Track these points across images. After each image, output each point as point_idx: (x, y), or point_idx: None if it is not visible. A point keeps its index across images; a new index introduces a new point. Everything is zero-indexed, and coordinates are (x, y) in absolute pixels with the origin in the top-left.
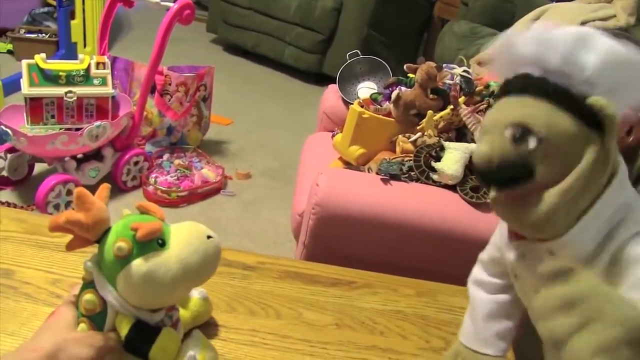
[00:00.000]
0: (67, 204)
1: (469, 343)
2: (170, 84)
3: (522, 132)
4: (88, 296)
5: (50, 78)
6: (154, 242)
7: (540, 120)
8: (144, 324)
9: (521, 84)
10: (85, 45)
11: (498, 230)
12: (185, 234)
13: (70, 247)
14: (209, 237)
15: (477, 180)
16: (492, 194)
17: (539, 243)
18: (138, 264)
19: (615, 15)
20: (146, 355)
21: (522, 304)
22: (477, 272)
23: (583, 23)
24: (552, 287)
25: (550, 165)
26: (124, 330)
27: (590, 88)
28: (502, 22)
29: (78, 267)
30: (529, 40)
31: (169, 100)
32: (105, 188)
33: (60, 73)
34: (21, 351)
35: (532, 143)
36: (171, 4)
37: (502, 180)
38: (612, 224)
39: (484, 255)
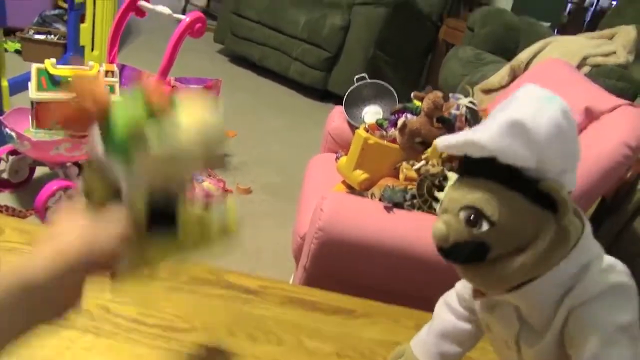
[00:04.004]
0: None
1: (416, 349)
2: None
3: (475, 216)
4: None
5: (59, 84)
6: (164, 114)
7: (492, 204)
8: (160, 198)
9: (475, 168)
10: (92, 49)
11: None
12: (194, 110)
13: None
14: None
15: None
16: None
17: (500, 295)
18: (152, 137)
19: (615, 52)
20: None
21: (479, 337)
22: (451, 297)
23: (585, 58)
24: None
25: (504, 245)
26: (140, 205)
27: (540, 172)
28: (506, 49)
29: None
30: (482, 144)
31: None
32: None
33: (69, 79)
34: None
35: (485, 226)
36: (182, 17)
37: (456, 257)
38: (566, 288)
39: (458, 289)
